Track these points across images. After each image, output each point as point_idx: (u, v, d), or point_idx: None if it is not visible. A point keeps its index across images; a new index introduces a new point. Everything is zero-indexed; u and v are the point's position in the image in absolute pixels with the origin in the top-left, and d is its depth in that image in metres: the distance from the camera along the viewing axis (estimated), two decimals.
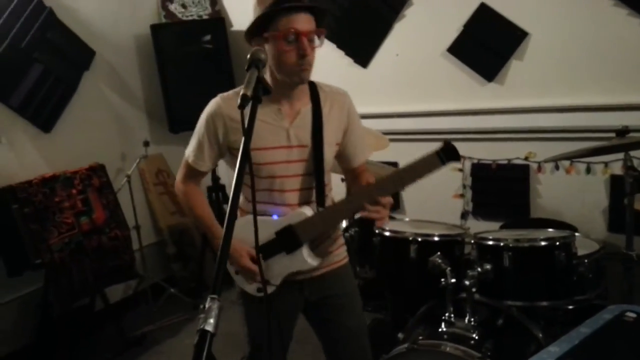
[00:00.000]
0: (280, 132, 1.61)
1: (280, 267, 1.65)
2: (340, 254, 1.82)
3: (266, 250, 1.63)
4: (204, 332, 0.80)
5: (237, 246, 1.61)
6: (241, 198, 1.71)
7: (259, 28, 1.53)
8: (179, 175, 1.75)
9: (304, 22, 1.50)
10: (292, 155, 1.63)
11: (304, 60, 1.51)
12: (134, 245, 3.43)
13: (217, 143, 1.64)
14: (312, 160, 1.64)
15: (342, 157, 1.78)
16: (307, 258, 1.63)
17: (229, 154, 1.67)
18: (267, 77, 1.60)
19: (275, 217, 1.65)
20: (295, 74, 1.54)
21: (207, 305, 0.84)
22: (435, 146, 1.50)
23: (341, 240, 1.85)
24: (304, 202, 1.68)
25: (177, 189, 1.77)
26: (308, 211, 1.63)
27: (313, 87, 1.67)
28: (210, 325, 0.81)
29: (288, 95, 1.62)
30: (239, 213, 1.72)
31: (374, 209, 1.52)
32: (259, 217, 1.60)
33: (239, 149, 1.52)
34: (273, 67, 1.57)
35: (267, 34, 1.51)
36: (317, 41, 1.55)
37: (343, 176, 1.94)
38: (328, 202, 1.71)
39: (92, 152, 3.42)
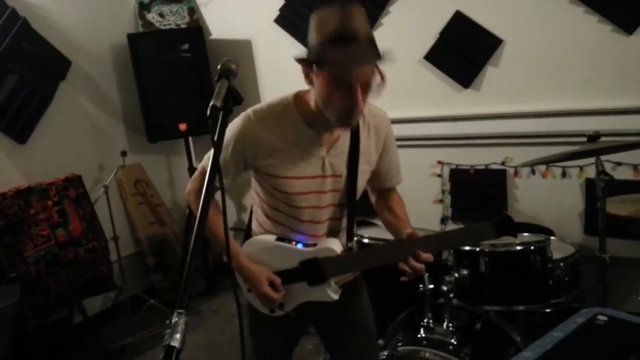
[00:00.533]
0: (316, 162, 1.49)
1: (299, 294, 1.57)
2: None
3: (286, 277, 1.55)
4: (169, 349, 0.79)
5: (257, 271, 1.53)
6: (266, 220, 1.62)
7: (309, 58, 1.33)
8: (193, 185, 1.60)
9: (362, 70, 1.27)
10: (325, 186, 1.52)
11: (353, 111, 1.31)
12: (113, 257, 3.39)
13: (243, 162, 1.50)
14: (344, 191, 1.54)
15: (370, 177, 1.65)
16: (329, 292, 1.54)
17: (255, 172, 1.57)
18: (311, 97, 1.43)
19: (300, 245, 1.56)
20: (339, 122, 1.36)
21: (173, 320, 0.82)
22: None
23: None
24: (332, 231, 1.59)
25: (188, 199, 1.61)
26: (337, 247, 1.53)
27: None
28: (176, 340, 0.79)
29: (328, 121, 1.42)
30: (262, 232, 1.64)
31: (411, 264, 1.41)
32: (283, 244, 1.57)
33: (267, 173, 1.50)
34: (317, 101, 1.38)
35: (317, 70, 1.31)
36: (374, 85, 1.32)
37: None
38: (355, 231, 1.64)
39: (68, 163, 3.38)
